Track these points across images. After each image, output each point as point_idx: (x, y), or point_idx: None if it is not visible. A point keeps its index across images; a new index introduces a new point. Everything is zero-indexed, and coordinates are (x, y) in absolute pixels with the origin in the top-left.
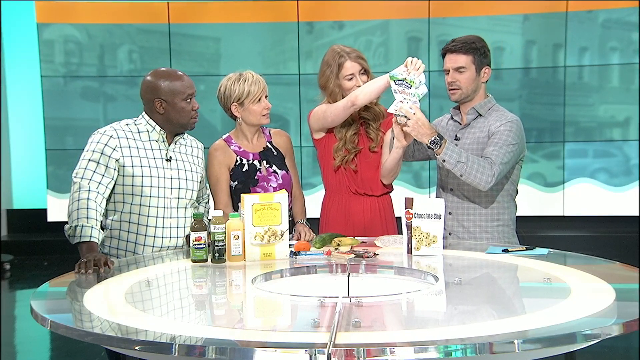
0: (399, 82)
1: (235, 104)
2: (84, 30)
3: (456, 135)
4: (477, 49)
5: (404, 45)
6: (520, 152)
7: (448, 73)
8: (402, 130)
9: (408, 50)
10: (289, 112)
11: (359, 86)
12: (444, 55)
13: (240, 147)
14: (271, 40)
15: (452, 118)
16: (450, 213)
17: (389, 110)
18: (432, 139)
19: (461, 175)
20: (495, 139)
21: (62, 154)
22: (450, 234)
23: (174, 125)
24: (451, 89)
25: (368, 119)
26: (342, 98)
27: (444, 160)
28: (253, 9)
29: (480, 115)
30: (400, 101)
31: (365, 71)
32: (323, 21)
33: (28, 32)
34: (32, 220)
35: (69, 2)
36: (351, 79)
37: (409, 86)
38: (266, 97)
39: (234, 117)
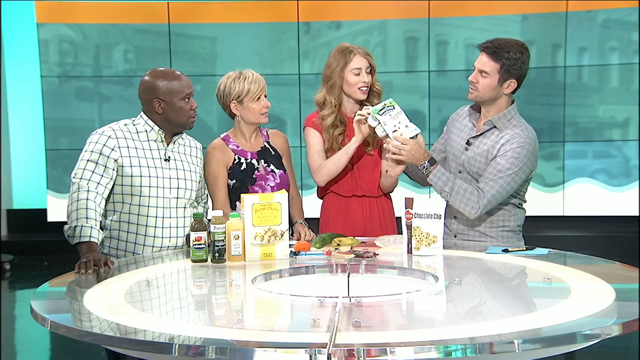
0: (381, 111)
1: (234, 101)
2: (83, 30)
3: (468, 140)
4: (508, 59)
5: (402, 45)
6: (528, 173)
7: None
8: (394, 161)
9: (406, 50)
10: (285, 113)
11: (364, 82)
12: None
13: (238, 146)
14: (268, 41)
15: (470, 116)
16: (455, 217)
17: (385, 147)
18: (424, 163)
19: (447, 202)
20: (498, 165)
21: (62, 154)
22: (455, 236)
23: (172, 125)
24: (470, 87)
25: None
26: (341, 93)
27: (432, 184)
28: (253, 9)
29: (496, 127)
30: (394, 130)
31: (372, 70)
32: (320, 21)
33: (28, 32)
34: (32, 220)
35: (69, 2)
36: (358, 74)
37: (392, 107)
38: (265, 96)
39: (233, 116)
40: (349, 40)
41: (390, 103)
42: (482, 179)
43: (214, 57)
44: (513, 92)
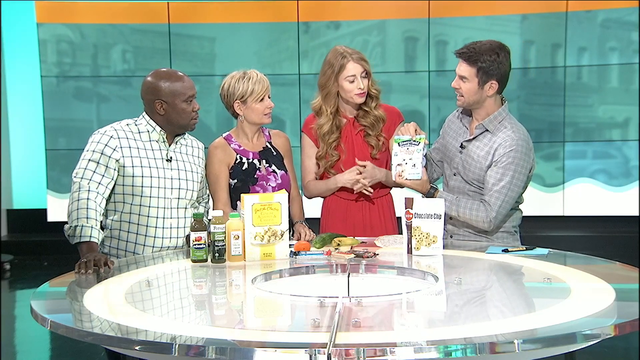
0: (404, 142)
1: (238, 101)
2: (82, 30)
3: (462, 144)
4: (483, 62)
5: (402, 45)
6: (527, 173)
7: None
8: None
9: (406, 50)
10: (285, 113)
11: (360, 88)
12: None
13: (240, 146)
14: (267, 40)
15: (463, 119)
16: (451, 218)
17: (393, 177)
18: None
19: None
20: (497, 174)
21: (61, 154)
22: (451, 236)
23: (174, 126)
24: (456, 93)
25: (366, 126)
26: (337, 99)
27: None
28: (252, 9)
29: (488, 130)
30: (399, 164)
31: (367, 74)
32: (319, 21)
33: (28, 32)
34: (32, 220)
35: (69, 2)
36: (352, 81)
37: (417, 143)
38: (269, 97)
39: (236, 115)
40: (348, 40)
41: (420, 139)
42: (485, 192)
43: (213, 57)
44: (499, 92)
